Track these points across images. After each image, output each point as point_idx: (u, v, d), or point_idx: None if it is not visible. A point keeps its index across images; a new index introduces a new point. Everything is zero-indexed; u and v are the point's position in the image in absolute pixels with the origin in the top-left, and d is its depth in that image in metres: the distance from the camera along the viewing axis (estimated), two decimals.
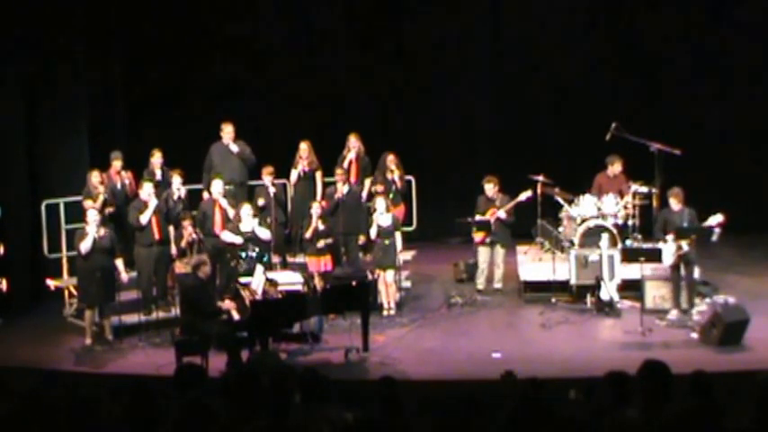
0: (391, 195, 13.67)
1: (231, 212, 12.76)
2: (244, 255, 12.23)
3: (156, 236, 12.48)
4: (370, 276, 12.63)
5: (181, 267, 12.47)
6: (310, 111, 15.84)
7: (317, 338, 11.71)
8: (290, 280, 11.59)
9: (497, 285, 13.63)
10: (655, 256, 11.97)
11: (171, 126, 15.20)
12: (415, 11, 16.45)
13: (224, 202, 12.91)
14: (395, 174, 13.95)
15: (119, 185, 13.17)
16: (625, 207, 13.51)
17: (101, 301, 12.00)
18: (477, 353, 11.26)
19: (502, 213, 13.33)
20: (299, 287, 11.44)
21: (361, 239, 13.40)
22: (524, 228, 14.31)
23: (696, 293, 12.41)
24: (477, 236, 13.42)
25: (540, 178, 13.83)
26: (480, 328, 12.38)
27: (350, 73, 16.28)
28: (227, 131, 13.80)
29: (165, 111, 15.54)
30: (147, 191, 12.47)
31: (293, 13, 16.26)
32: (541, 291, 13.16)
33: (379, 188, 13.81)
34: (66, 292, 13.10)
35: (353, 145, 14.10)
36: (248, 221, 12.46)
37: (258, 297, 11.03)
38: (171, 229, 12.75)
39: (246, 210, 12.52)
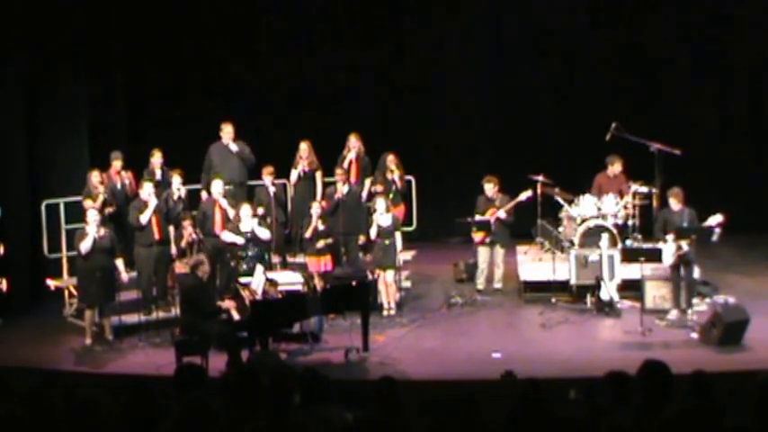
0: (391, 195, 13.66)
1: (231, 212, 12.77)
2: (246, 255, 12.23)
3: (156, 236, 12.48)
4: (370, 276, 12.63)
5: (181, 267, 12.46)
6: (310, 111, 15.85)
7: (317, 338, 11.71)
8: (290, 280, 11.58)
9: (497, 285, 13.64)
10: (655, 256, 11.97)
11: (171, 126, 15.22)
12: (415, 11, 16.46)
13: (224, 203, 12.91)
14: (395, 174, 13.95)
15: (119, 185, 13.17)
16: (625, 207, 13.51)
17: (101, 301, 12.00)
18: (477, 353, 11.25)
19: (502, 213, 13.33)
20: (299, 287, 11.43)
21: (361, 239, 13.40)
22: (524, 228, 14.31)
23: (696, 293, 12.42)
24: (477, 236, 13.42)
25: (540, 178, 13.82)
26: (480, 328, 12.38)
27: (350, 73, 16.28)
28: (227, 131, 13.80)
29: (165, 111, 15.55)
30: (147, 191, 12.47)
31: (293, 13, 16.26)
32: (541, 291, 13.16)
33: (379, 188, 13.81)
34: (66, 292, 13.10)
35: (353, 145, 14.10)
36: (248, 221, 12.46)
37: (258, 297, 11.03)
38: (171, 229, 12.76)
39: (246, 210, 12.52)
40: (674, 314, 12.12)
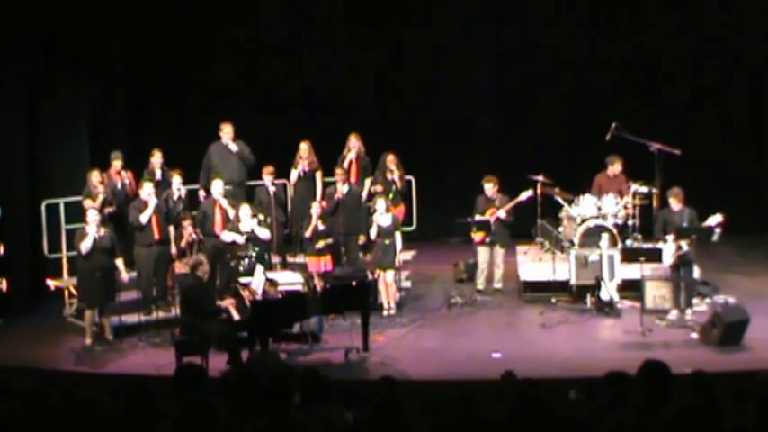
0: (391, 195, 13.66)
1: (231, 212, 12.76)
2: (245, 255, 12.23)
3: (156, 236, 12.48)
4: (370, 276, 12.63)
5: (181, 267, 12.46)
6: (310, 111, 15.85)
7: (317, 338, 11.71)
8: (290, 280, 11.58)
9: (497, 285, 13.64)
10: (655, 256, 11.97)
11: (171, 126, 15.22)
12: (415, 11, 16.46)
13: (224, 203, 12.91)
14: (395, 174, 13.95)
15: (119, 185, 13.17)
16: (625, 207, 13.51)
17: (101, 301, 12.00)
18: (477, 353, 11.25)
19: (502, 213, 13.33)
20: (299, 287, 11.43)
21: (361, 239, 13.40)
22: (524, 228, 14.31)
23: (696, 293, 12.42)
24: (477, 236, 13.42)
25: (540, 178, 13.82)
26: (480, 328, 12.37)
27: (350, 73, 16.29)
28: (227, 131, 13.80)
29: (165, 111, 15.55)
30: (147, 191, 12.47)
31: (293, 13, 16.27)
32: (541, 291, 13.15)
33: (379, 188, 13.81)
34: (66, 292, 13.10)
35: (353, 145, 14.10)
36: (247, 221, 12.46)
37: (258, 297, 11.03)
38: (171, 229, 12.76)
39: (245, 210, 12.51)
40: (674, 314, 12.12)
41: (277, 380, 5.85)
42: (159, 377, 9.85)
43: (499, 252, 13.53)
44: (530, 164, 14.24)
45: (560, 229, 13.87)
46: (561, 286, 12.98)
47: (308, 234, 12.83)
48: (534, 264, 13.75)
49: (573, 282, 12.87)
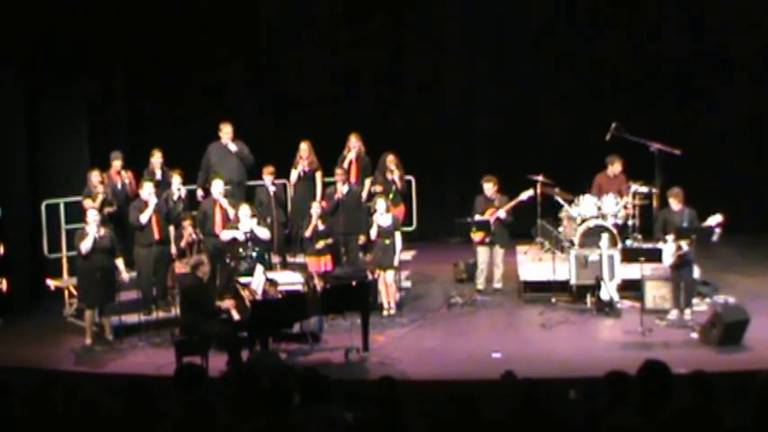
0: (391, 195, 13.66)
1: (232, 212, 12.76)
2: (245, 255, 12.23)
3: (156, 236, 12.48)
4: (370, 276, 12.63)
5: (181, 267, 12.46)
6: (310, 111, 15.85)
7: (317, 338, 11.71)
8: (290, 280, 11.58)
9: (497, 285, 13.63)
10: (655, 256, 11.97)
11: (171, 126, 15.21)
12: (415, 10, 16.46)
13: (224, 202, 12.91)
14: (395, 174, 13.94)
15: (119, 185, 13.17)
16: (625, 207, 13.50)
17: (101, 301, 12.00)
18: (477, 353, 11.25)
19: (502, 213, 13.33)
20: (299, 287, 11.44)
21: (362, 239, 13.40)
22: (524, 228, 14.30)
23: (696, 293, 12.42)
24: (477, 236, 13.41)
25: (540, 178, 13.81)
26: (480, 328, 12.37)
27: (350, 73, 16.28)
28: (226, 131, 13.80)
29: (165, 111, 15.55)
30: (147, 190, 12.47)
31: (293, 13, 16.26)
32: (541, 291, 13.15)
33: (379, 188, 13.81)
34: (66, 292, 13.10)
35: (353, 145, 14.10)
36: (247, 221, 12.45)
37: (258, 297, 11.03)
38: (171, 229, 12.75)
39: (245, 210, 12.51)
40: (674, 314, 12.12)
41: (277, 380, 5.85)
42: (159, 377, 9.85)
43: (499, 252, 13.53)
44: (530, 164, 14.24)
45: (560, 229, 13.87)
46: (561, 286, 12.98)
47: (308, 234, 12.83)
48: (534, 264, 13.74)
49: (573, 282, 12.87)
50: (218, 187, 12.91)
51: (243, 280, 11.54)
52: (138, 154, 13.91)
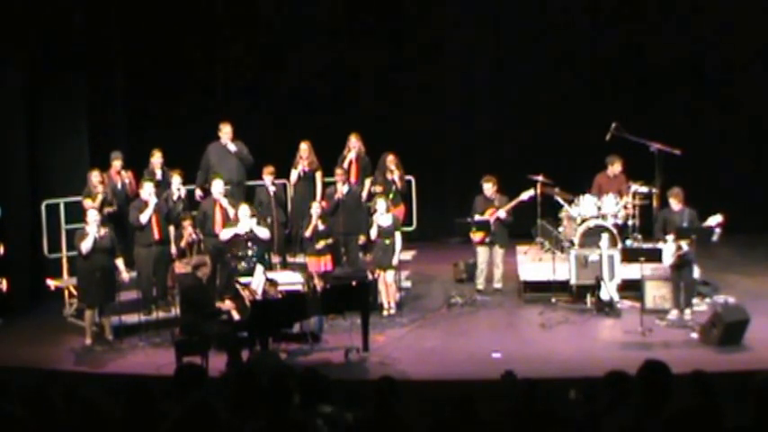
0: (391, 195, 13.66)
1: (232, 212, 12.76)
2: (245, 255, 12.23)
3: (156, 236, 12.48)
4: (370, 276, 12.63)
5: (181, 267, 12.47)
6: (310, 111, 15.85)
7: (317, 338, 11.71)
8: (290, 280, 11.58)
9: (497, 285, 13.63)
10: (655, 256, 11.97)
11: (171, 126, 15.21)
12: (415, 10, 16.46)
13: (224, 202, 12.91)
14: (395, 174, 13.95)
15: (119, 185, 13.18)
16: (625, 207, 13.51)
17: (101, 301, 12.00)
18: (477, 353, 11.25)
19: (502, 213, 13.33)
20: (299, 287, 11.44)
21: (362, 239, 13.40)
22: (524, 228, 14.30)
23: (696, 293, 12.42)
24: (476, 236, 13.42)
25: (540, 178, 13.81)
26: (480, 328, 12.37)
27: (350, 73, 16.28)
28: (225, 131, 13.80)
29: (165, 111, 15.55)
30: (147, 190, 12.47)
31: (293, 13, 16.26)
32: (541, 291, 13.15)
33: (379, 188, 13.81)
34: (66, 292, 13.11)
35: (353, 145, 14.10)
36: (246, 221, 12.45)
37: (258, 297, 11.03)
38: (171, 229, 12.76)
39: (244, 210, 12.51)
40: (674, 314, 12.12)
41: (277, 380, 5.84)
42: (159, 377, 9.85)
43: (498, 252, 13.53)
44: (530, 164, 14.24)
45: (560, 229, 13.87)
46: (561, 286, 12.98)
47: (308, 234, 12.83)
48: (534, 264, 13.75)
49: (573, 282, 12.87)
50: (218, 187, 12.91)
51: (243, 280, 11.54)
52: (138, 154, 13.91)
